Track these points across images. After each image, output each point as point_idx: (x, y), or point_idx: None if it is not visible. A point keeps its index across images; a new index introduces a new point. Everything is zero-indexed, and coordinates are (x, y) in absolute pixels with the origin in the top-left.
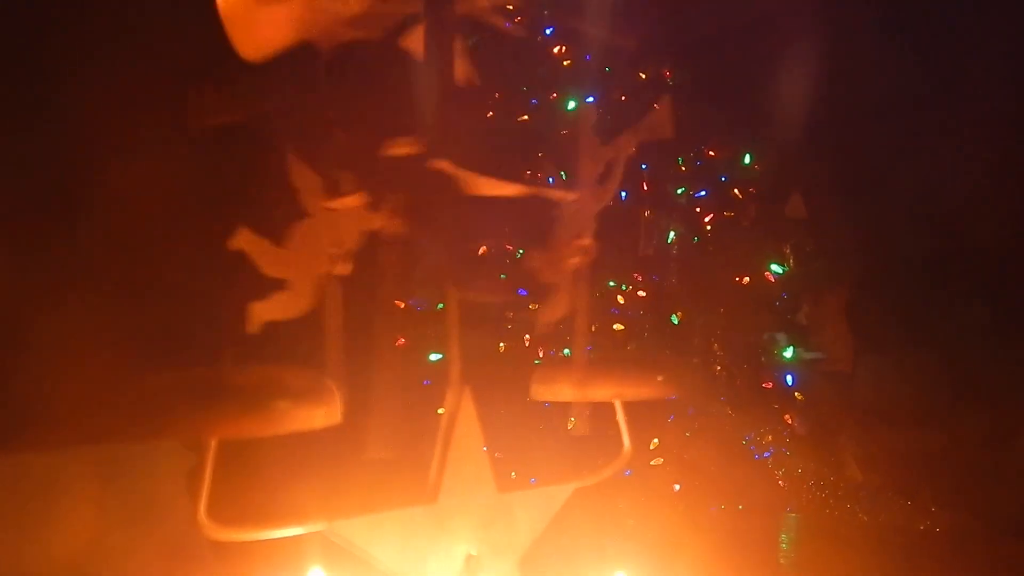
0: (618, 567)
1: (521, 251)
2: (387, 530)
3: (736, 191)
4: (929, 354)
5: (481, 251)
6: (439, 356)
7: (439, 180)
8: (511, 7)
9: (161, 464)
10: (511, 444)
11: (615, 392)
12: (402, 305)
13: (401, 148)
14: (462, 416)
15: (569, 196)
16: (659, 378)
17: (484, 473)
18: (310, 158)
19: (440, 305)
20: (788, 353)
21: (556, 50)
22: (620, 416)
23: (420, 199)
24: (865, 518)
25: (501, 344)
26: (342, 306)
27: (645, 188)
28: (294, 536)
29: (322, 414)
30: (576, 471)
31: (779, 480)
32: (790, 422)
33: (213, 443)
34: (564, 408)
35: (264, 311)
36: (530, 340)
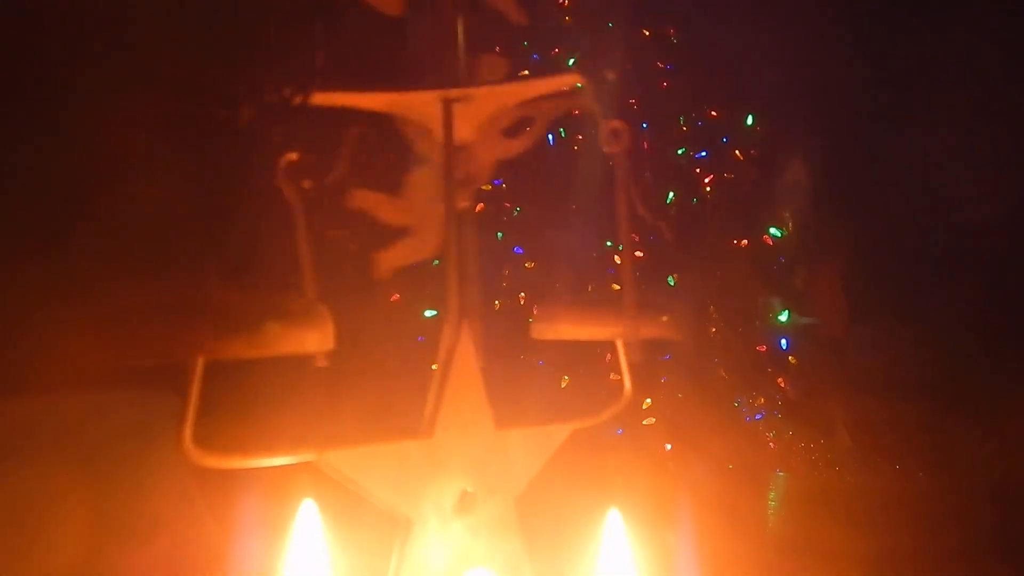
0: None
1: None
2: (381, 464)
3: (737, 153)
4: (921, 324)
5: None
6: (434, 313)
7: None
8: None
9: (158, 477)
10: (510, 385)
11: (617, 331)
12: None
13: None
14: (460, 351)
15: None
16: (664, 318)
17: (482, 409)
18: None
19: (435, 262)
20: (783, 317)
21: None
22: (622, 357)
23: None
24: (852, 481)
25: (496, 302)
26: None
27: (645, 147)
28: (284, 467)
29: (315, 338)
30: (575, 412)
31: (769, 442)
32: (782, 386)
33: (199, 364)
34: (560, 363)
35: (392, 259)
36: (524, 298)
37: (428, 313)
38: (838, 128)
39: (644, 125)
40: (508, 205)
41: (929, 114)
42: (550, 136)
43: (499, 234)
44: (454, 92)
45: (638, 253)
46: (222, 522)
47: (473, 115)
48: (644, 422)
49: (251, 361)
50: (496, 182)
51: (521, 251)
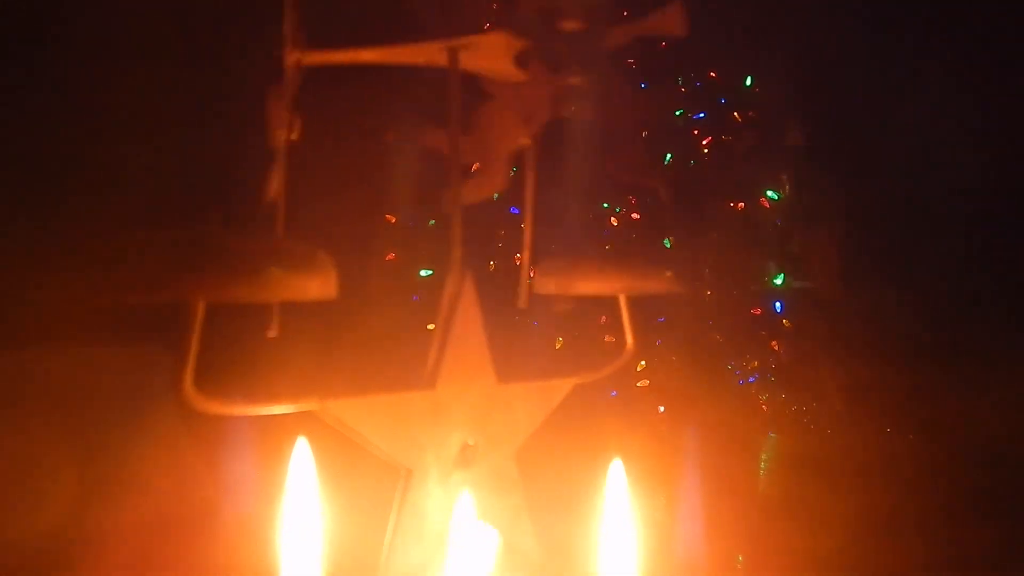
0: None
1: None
2: (382, 414)
3: (736, 115)
4: (915, 288)
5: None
6: (429, 272)
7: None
8: None
9: (144, 436)
10: (512, 341)
11: (621, 285)
12: (393, 220)
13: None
14: (463, 302)
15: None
16: (667, 273)
17: (484, 362)
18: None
19: (431, 222)
20: (778, 280)
21: None
22: (624, 312)
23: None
24: (843, 443)
25: (491, 262)
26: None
27: (643, 108)
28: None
29: (317, 285)
30: (576, 368)
31: (762, 404)
32: (776, 349)
33: (200, 307)
34: (555, 324)
35: (463, 195)
36: (520, 258)
37: (423, 273)
38: (836, 91)
39: (643, 85)
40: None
41: (933, 81)
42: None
43: (495, 194)
44: (459, 41)
45: (635, 215)
46: (215, 471)
47: (497, 56)
48: (638, 384)
49: (247, 308)
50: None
51: (517, 211)
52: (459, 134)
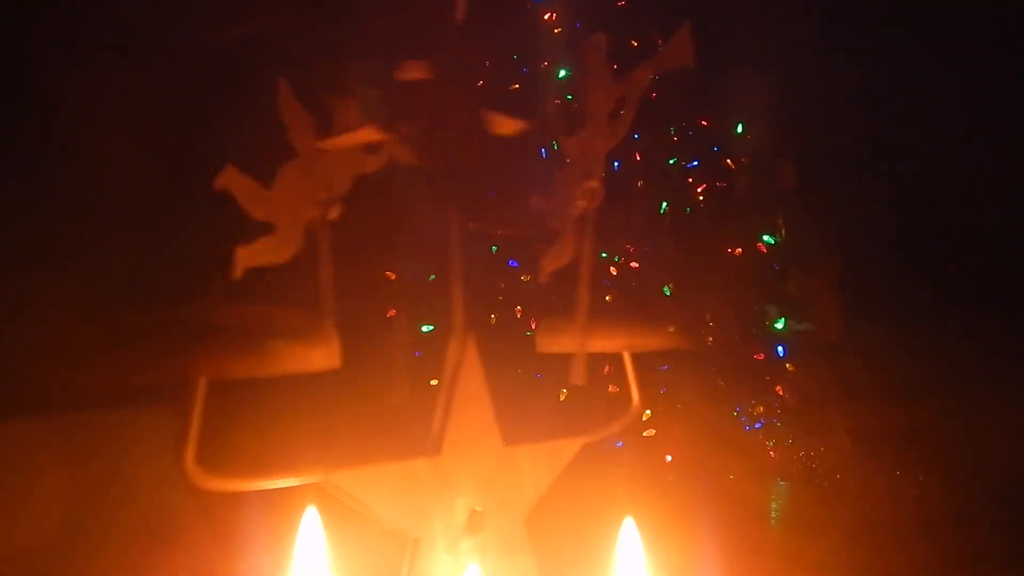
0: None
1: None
2: (387, 483)
3: (728, 161)
4: (917, 329)
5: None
6: (430, 328)
7: (450, 110)
8: None
9: (140, 440)
10: (516, 399)
11: (625, 343)
12: (393, 277)
13: (410, 73)
14: (467, 365)
15: (575, 136)
16: (670, 329)
17: (489, 425)
18: (303, 88)
19: (432, 276)
20: (779, 324)
21: (546, 17)
22: (629, 369)
23: (431, 129)
24: (855, 487)
25: (492, 315)
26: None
27: (637, 158)
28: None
29: (321, 356)
30: (583, 426)
31: (770, 450)
32: (781, 393)
33: (202, 383)
34: (558, 375)
35: (249, 256)
36: (521, 311)
37: (425, 328)
38: (830, 135)
39: (636, 136)
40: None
41: (922, 119)
42: (543, 150)
43: (494, 247)
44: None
45: (634, 264)
46: (224, 540)
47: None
48: (644, 434)
49: (253, 380)
50: (489, 194)
51: (516, 264)
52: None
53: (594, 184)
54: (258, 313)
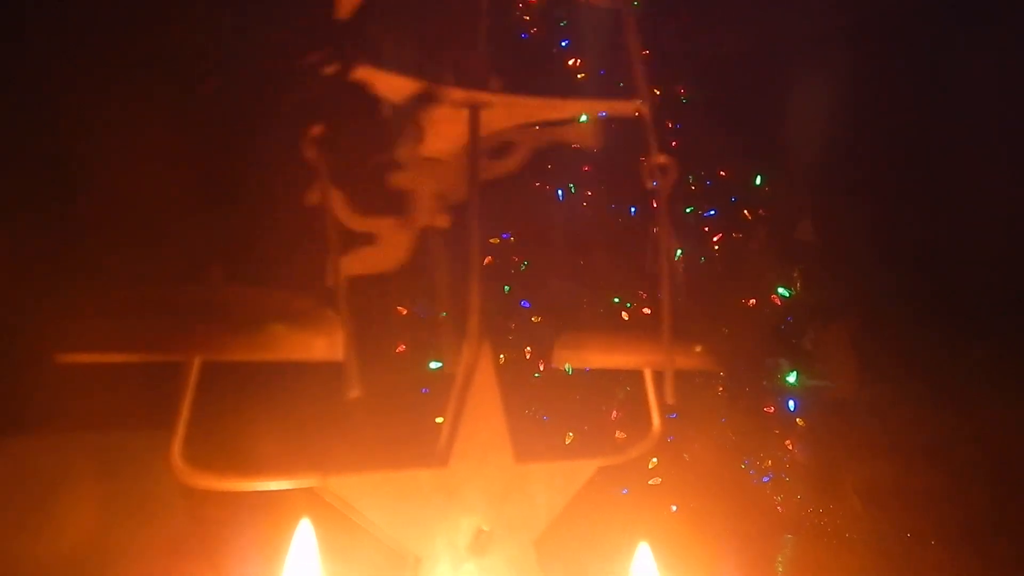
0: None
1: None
2: (389, 493)
3: (746, 212)
4: (934, 389)
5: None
6: (439, 364)
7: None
8: (527, 17)
9: (162, 459)
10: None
11: (646, 360)
12: (404, 312)
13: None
14: (479, 375)
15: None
16: (697, 348)
17: (502, 439)
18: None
19: (443, 313)
20: (791, 378)
21: (571, 63)
22: (650, 390)
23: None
24: (863, 547)
25: (501, 356)
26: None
27: (653, 205)
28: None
29: (322, 345)
30: (600, 448)
31: (778, 505)
32: (791, 448)
33: (195, 366)
34: (565, 419)
35: (352, 265)
36: (531, 352)
37: (433, 365)
38: (846, 188)
39: (653, 183)
40: (516, 259)
41: (936, 173)
42: (559, 192)
43: (506, 287)
44: (483, 96)
45: (646, 310)
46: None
47: (484, 124)
48: (650, 482)
49: (252, 380)
50: (504, 235)
51: (528, 305)
52: (475, 187)
53: (662, 159)
54: (259, 295)
